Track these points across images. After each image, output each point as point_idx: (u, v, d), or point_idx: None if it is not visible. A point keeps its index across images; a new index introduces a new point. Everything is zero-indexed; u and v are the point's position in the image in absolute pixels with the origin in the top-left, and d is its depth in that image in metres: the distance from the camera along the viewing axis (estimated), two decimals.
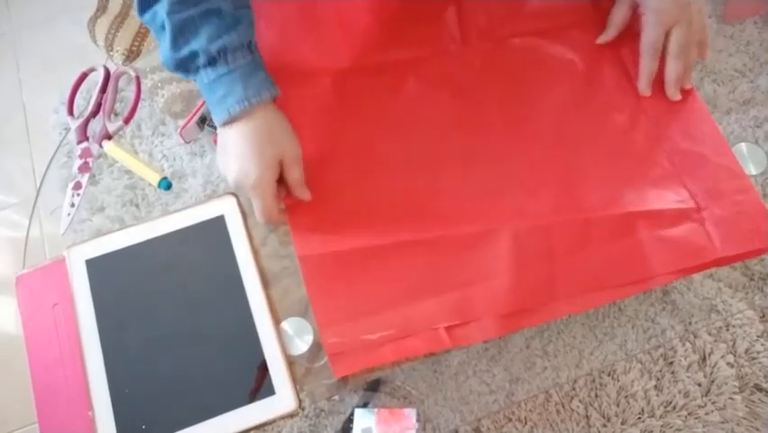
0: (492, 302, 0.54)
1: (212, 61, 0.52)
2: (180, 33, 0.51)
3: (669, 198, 0.58)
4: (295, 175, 0.56)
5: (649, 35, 0.61)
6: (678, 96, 0.62)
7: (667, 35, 0.61)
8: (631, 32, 0.65)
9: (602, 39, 0.66)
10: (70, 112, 0.69)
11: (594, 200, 0.58)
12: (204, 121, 0.65)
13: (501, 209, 0.57)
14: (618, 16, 0.65)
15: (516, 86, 0.64)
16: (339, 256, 0.56)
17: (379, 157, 0.61)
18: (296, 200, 0.58)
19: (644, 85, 0.63)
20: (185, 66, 0.53)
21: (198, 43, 0.51)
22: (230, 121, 0.54)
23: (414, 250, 0.56)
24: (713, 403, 0.60)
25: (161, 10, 0.51)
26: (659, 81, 0.64)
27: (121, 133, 0.68)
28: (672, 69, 0.62)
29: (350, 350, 0.53)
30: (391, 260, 0.56)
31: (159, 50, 0.54)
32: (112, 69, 0.70)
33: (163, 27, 0.52)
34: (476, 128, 0.62)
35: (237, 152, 0.54)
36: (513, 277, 0.54)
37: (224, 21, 0.52)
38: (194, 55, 0.52)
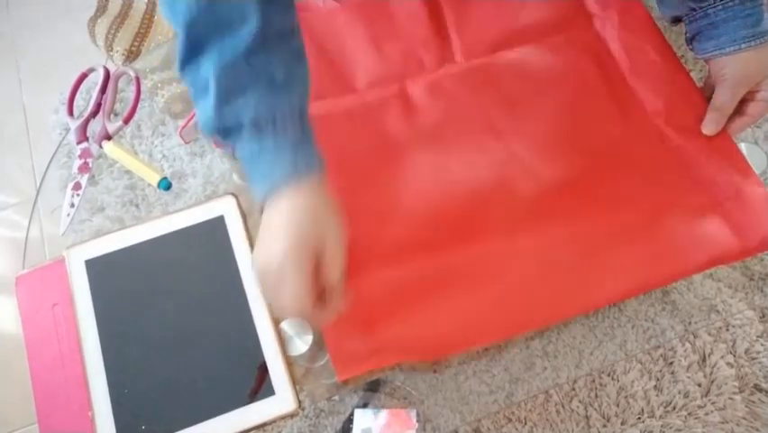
0: (526, 318, 0.53)
1: (257, 131, 0.45)
2: (226, 102, 0.44)
3: (677, 203, 0.58)
4: (334, 274, 0.46)
5: (721, 96, 0.59)
6: (711, 133, 0.60)
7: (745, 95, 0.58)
8: (622, 26, 0.65)
9: (709, 130, 0.60)
10: (70, 112, 0.69)
11: (607, 212, 0.58)
12: None
13: (519, 225, 0.57)
14: (722, 100, 0.59)
15: (518, 102, 0.63)
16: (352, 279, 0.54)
17: (387, 193, 0.59)
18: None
19: (707, 130, 0.60)
20: (224, 135, 0.46)
21: (246, 112, 0.44)
22: (273, 196, 0.46)
23: (436, 268, 0.55)
24: (713, 403, 0.60)
25: (208, 72, 0.44)
26: (659, 82, 0.64)
27: (121, 133, 0.68)
28: (736, 126, 0.60)
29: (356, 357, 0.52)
30: (403, 287, 0.55)
31: (197, 114, 0.47)
32: (112, 69, 0.70)
33: (205, 90, 0.45)
34: (483, 151, 0.61)
35: (269, 231, 0.46)
36: (541, 290, 0.54)
37: (276, 89, 0.45)
38: (239, 125, 0.45)
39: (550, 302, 0.54)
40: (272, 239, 0.45)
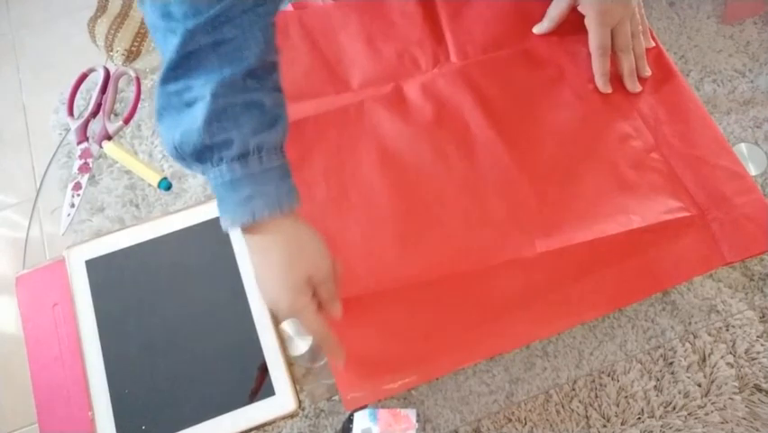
0: (511, 337, 0.54)
1: (244, 156, 0.45)
2: (217, 119, 0.43)
3: (672, 207, 0.58)
4: (325, 294, 0.50)
5: (595, 36, 0.63)
6: (638, 88, 0.64)
7: (613, 32, 0.63)
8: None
9: (537, 30, 0.67)
10: (70, 112, 0.69)
11: (597, 220, 0.57)
12: None
13: (506, 240, 0.57)
14: (555, 12, 0.66)
15: (512, 103, 0.63)
16: (351, 304, 0.53)
17: (381, 195, 0.59)
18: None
19: (601, 84, 0.64)
20: (204, 155, 0.45)
21: (237, 133, 0.44)
22: (248, 228, 0.47)
23: (425, 292, 0.55)
24: (713, 404, 0.60)
25: (203, 87, 0.43)
26: (650, 87, 0.64)
27: (121, 133, 0.68)
28: (624, 64, 0.64)
29: (369, 397, 0.52)
30: (404, 303, 0.55)
31: (168, 131, 0.45)
32: (112, 69, 0.70)
33: (189, 105, 0.44)
34: (476, 153, 0.61)
35: (267, 268, 0.48)
36: (528, 308, 0.54)
37: (266, 117, 0.46)
38: (227, 144, 0.44)
39: (532, 321, 0.54)
40: (273, 278, 0.48)
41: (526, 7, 0.68)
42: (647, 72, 0.64)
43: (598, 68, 0.64)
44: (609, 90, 0.63)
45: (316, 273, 0.48)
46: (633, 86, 0.64)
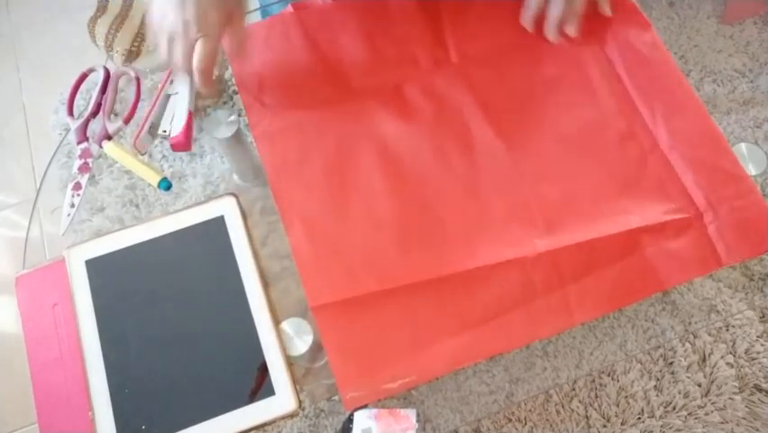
0: (509, 337, 0.54)
1: None
2: None
3: (670, 208, 0.58)
4: (237, 32, 0.59)
5: None
6: (555, 38, 0.64)
7: None
8: (618, 34, 0.65)
9: (523, 20, 0.66)
10: (70, 112, 0.69)
11: (596, 220, 0.57)
12: (155, 128, 0.65)
13: (506, 240, 0.57)
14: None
15: (512, 102, 0.63)
16: (351, 303, 0.54)
17: (380, 195, 0.59)
18: (304, 251, 0.57)
19: (525, 21, 0.64)
20: None
21: None
22: None
23: (425, 291, 0.55)
24: (713, 404, 0.60)
25: None
26: (650, 87, 0.64)
27: (121, 133, 0.68)
28: (553, 13, 0.63)
29: (369, 397, 0.52)
30: (404, 303, 0.55)
31: None
32: (112, 69, 0.70)
33: None
34: (476, 153, 0.61)
35: None
36: (527, 308, 0.54)
37: None
38: None
39: (532, 321, 0.54)
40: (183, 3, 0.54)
41: None
42: (571, 32, 0.63)
43: (527, 22, 0.64)
44: (528, 26, 0.64)
45: (237, 9, 0.57)
46: (553, 36, 0.63)
